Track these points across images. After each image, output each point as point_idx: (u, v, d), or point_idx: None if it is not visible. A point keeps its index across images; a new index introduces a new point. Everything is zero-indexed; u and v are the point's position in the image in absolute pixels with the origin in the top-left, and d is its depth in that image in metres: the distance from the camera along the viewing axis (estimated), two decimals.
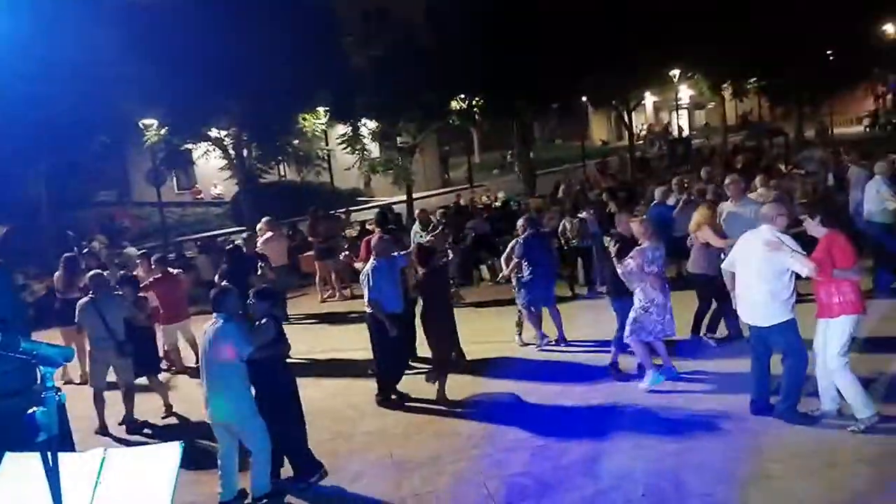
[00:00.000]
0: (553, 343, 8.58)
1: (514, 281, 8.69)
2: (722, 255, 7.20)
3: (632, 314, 6.90)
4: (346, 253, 10.05)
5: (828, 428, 5.62)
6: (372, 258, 7.52)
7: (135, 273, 9.66)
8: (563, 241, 11.62)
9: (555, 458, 5.73)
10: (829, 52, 29.47)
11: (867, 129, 35.86)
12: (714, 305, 7.83)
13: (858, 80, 34.30)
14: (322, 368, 8.81)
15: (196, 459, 6.28)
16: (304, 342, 10.22)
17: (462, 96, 23.28)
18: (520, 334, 8.89)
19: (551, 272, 8.94)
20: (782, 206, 6.18)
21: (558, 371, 7.72)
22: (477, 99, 23.73)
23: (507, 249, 8.87)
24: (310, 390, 8.16)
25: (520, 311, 8.77)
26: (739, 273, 5.93)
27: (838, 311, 5.49)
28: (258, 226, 12.03)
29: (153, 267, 9.48)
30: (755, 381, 6.02)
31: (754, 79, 32.65)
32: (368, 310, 7.37)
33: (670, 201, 11.22)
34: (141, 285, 8.77)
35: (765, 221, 5.84)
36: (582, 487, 5.23)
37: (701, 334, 7.96)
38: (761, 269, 5.70)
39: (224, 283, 8.87)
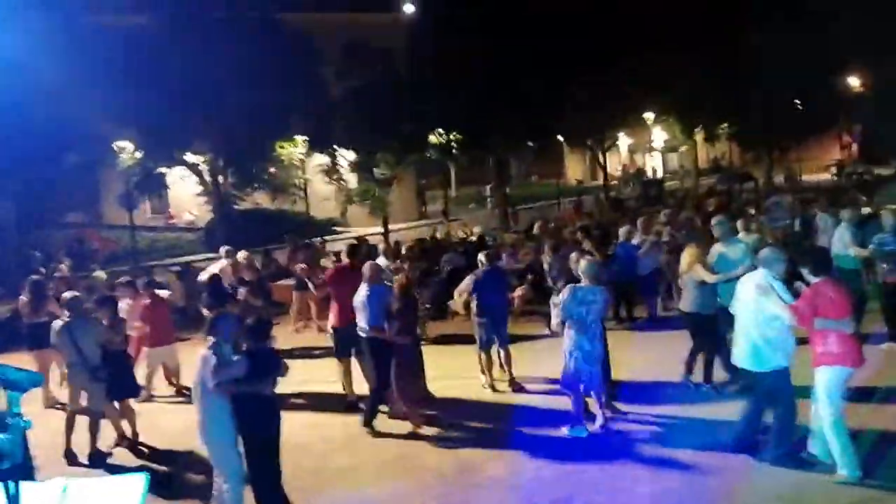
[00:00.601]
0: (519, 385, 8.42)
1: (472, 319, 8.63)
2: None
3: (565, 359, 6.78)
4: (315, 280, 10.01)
5: (812, 473, 5.58)
6: (364, 285, 7.52)
7: (112, 296, 9.51)
8: (542, 279, 11.63)
9: (526, 499, 5.66)
10: (796, 101, 30.42)
11: (834, 178, 36.90)
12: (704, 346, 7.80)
13: (825, 129, 35.36)
14: (293, 401, 8.64)
15: (163, 490, 6.15)
16: None
17: (440, 130, 23.50)
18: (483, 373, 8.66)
19: (500, 312, 8.63)
20: (780, 252, 6.10)
21: (530, 410, 7.66)
22: (455, 134, 23.98)
23: (462, 283, 8.83)
24: None
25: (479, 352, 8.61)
26: (738, 316, 5.93)
27: (819, 362, 5.43)
28: (238, 256, 11.80)
29: (140, 292, 9.29)
30: (743, 419, 5.97)
31: (725, 124, 33.52)
32: (365, 335, 7.44)
33: (635, 240, 11.39)
34: (133, 313, 8.78)
35: (762, 266, 5.85)
36: None
37: (692, 378, 7.80)
38: (755, 313, 5.70)
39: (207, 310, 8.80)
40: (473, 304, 8.61)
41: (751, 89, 27.26)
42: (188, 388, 8.93)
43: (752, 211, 17.77)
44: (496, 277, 8.81)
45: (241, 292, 9.98)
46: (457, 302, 8.77)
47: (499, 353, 8.61)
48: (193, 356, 9.17)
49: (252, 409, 5.37)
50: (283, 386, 9.12)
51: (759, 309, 5.65)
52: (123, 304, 9.53)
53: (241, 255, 11.76)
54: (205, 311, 9.10)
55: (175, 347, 9.35)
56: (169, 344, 9.19)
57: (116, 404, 7.52)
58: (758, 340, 5.69)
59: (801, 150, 36.06)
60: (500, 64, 22.69)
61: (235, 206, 20.95)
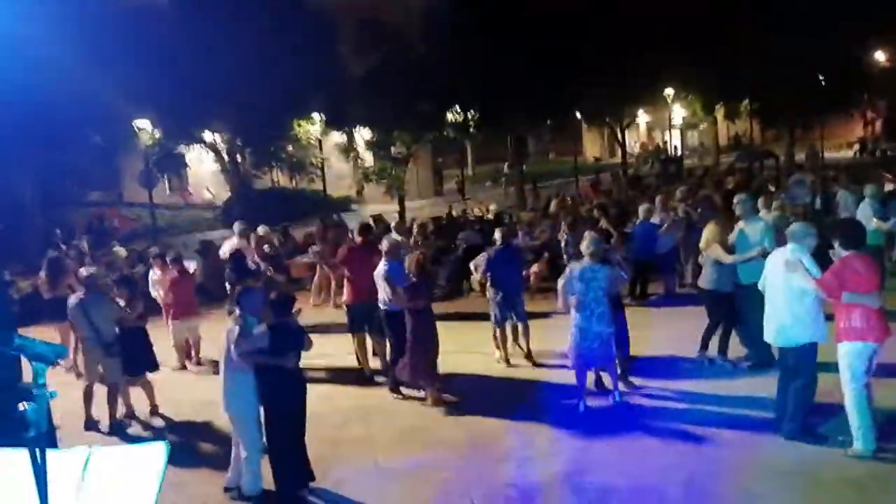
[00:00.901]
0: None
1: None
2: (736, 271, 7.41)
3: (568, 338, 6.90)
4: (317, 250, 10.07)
5: (824, 447, 5.62)
6: (383, 261, 7.69)
7: (131, 274, 9.74)
8: (558, 256, 11.65)
9: (540, 471, 5.73)
10: (821, 77, 29.82)
11: (857, 155, 36.25)
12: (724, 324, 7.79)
13: (849, 105, 34.69)
14: (308, 373, 8.76)
15: (182, 460, 6.30)
16: None
17: (457, 108, 23.39)
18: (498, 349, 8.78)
19: (514, 289, 8.72)
20: (811, 226, 6.07)
21: (542, 384, 7.72)
22: (472, 111, 23.85)
23: (477, 259, 9.04)
24: None
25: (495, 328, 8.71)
26: (767, 293, 5.91)
27: (843, 337, 5.39)
28: (259, 231, 11.92)
29: (169, 266, 9.63)
30: (784, 404, 5.91)
31: (746, 101, 32.99)
32: (385, 307, 7.63)
33: (654, 219, 11.31)
34: (160, 286, 9.26)
35: (791, 240, 5.81)
36: (567, 501, 5.24)
37: (708, 353, 7.84)
38: (784, 289, 5.69)
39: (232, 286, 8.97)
40: (488, 282, 8.72)
41: (773, 65, 26.74)
42: (208, 361, 9.18)
43: (773, 188, 17.59)
44: (510, 255, 8.88)
45: (264, 267, 10.11)
46: (475, 278, 8.91)
47: (515, 328, 8.65)
48: (213, 331, 9.40)
49: (275, 382, 5.50)
50: (302, 359, 9.36)
51: (787, 285, 5.63)
52: (154, 276, 9.82)
53: (261, 230, 11.89)
54: (228, 287, 9.27)
55: (198, 321, 9.59)
56: (192, 316, 9.47)
57: (132, 378, 7.68)
58: (786, 317, 5.68)
59: (824, 127, 35.44)
60: (517, 41, 22.44)
61: (253, 185, 21.07)
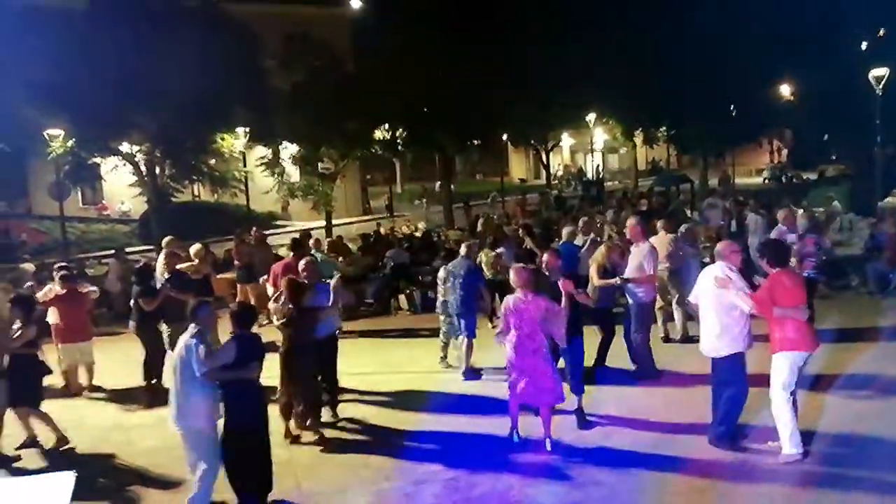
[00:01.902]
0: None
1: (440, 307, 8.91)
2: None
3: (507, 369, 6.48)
4: (265, 277, 9.82)
5: (755, 455, 5.88)
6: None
7: (31, 287, 9.12)
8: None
9: (465, 491, 5.70)
10: (731, 107, 31.52)
11: (765, 181, 38.42)
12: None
13: (757, 135, 36.75)
14: None
15: (89, 489, 5.96)
16: None
17: (386, 126, 23.41)
18: (444, 357, 9.01)
19: (467, 305, 8.80)
20: (735, 244, 6.43)
21: (473, 402, 7.72)
22: (400, 130, 23.93)
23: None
24: None
25: (446, 334, 8.91)
26: (700, 306, 6.20)
27: (778, 348, 5.72)
28: (191, 251, 11.39)
29: (62, 285, 8.94)
30: (713, 409, 6.22)
31: (664, 128, 34.46)
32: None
33: (577, 241, 11.57)
34: (42, 301, 8.44)
35: (718, 259, 6.14)
36: None
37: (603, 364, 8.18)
38: (713, 303, 5.99)
39: (135, 301, 8.57)
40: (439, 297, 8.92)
41: (689, 95, 28.08)
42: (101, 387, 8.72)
43: (689, 211, 18.36)
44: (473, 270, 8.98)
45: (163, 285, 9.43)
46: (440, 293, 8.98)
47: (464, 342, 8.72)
48: (118, 352, 8.99)
49: (237, 395, 5.40)
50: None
51: (717, 299, 5.94)
52: (42, 294, 9.20)
53: (193, 249, 11.36)
54: (132, 302, 8.83)
55: (90, 344, 8.98)
56: (83, 341, 8.85)
57: (17, 409, 7.13)
58: (715, 329, 5.98)
59: (735, 154, 37.37)
60: (444, 62, 22.74)
61: (173, 198, 20.39)
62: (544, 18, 27.24)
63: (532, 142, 35.91)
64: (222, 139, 20.72)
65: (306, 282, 7.10)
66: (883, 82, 20.12)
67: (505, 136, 34.23)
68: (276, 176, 21.74)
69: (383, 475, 6.11)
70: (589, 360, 7.62)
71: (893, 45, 24.55)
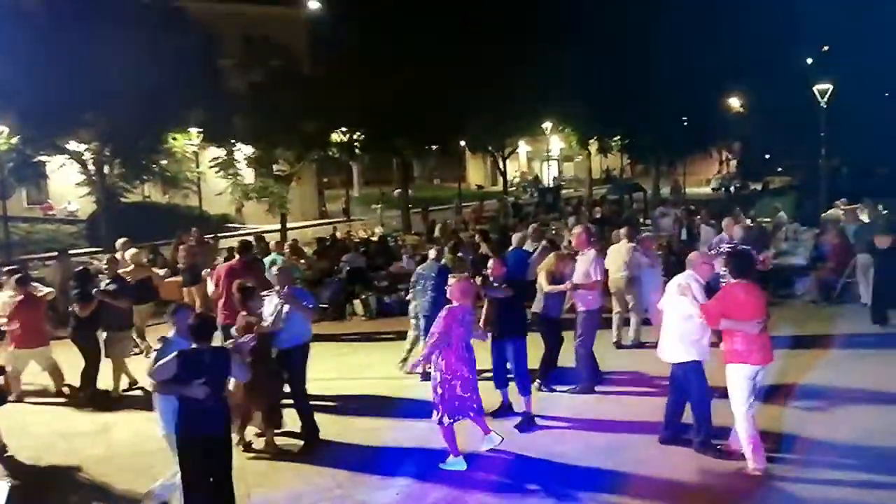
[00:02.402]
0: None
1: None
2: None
3: (438, 389, 6.13)
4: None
5: (725, 463, 5.95)
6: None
7: None
8: None
9: (419, 499, 5.68)
10: (683, 118, 32.30)
11: (714, 191, 39.44)
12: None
13: (707, 145, 37.73)
14: None
15: (26, 499, 5.74)
16: None
17: (343, 129, 23.25)
18: (405, 360, 8.94)
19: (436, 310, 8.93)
20: (705, 255, 6.48)
21: (428, 408, 7.66)
22: (358, 133, 23.80)
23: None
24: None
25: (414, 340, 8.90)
26: (664, 312, 6.27)
27: (727, 359, 5.73)
28: (127, 254, 11.07)
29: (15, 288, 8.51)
30: (666, 413, 6.31)
31: (618, 137, 35.10)
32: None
33: (527, 246, 11.63)
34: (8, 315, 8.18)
35: (689, 267, 6.20)
36: None
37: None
38: (674, 310, 6.07)
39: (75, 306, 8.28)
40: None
41: (642, 106, 28.67)
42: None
43: (641, 219, 18.69)
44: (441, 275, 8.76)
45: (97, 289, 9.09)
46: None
47: None
48: (60, 357, 8.68)
49: (185, 411, 5.20)
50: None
51: (677, 307, 6.01)
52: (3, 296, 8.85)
53: (128, 253, 11.04)
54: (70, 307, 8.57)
55: (49, 349, 8.67)
56: (41, 346, 8.50)
57: None
58: (674, 336, 6.07)
59: (686, 164, 38.26)
60: (403, 66, 22.72)
61: (122, 199, 19.85)
62: (504, 27, 27.51)
63: (489, 148, 36.14)
64: (174, 139, 20.29)
65: (252, 286, 6.90)
66: (826, 96, 20.90)
67: (463, 142, 34.38)
68: (229, 177, 21.36)
69: (336, 483, 6.03)
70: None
71: (836, 61, 25.54)
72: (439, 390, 6.06)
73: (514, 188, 41.94)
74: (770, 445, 6.01)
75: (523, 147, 46.68)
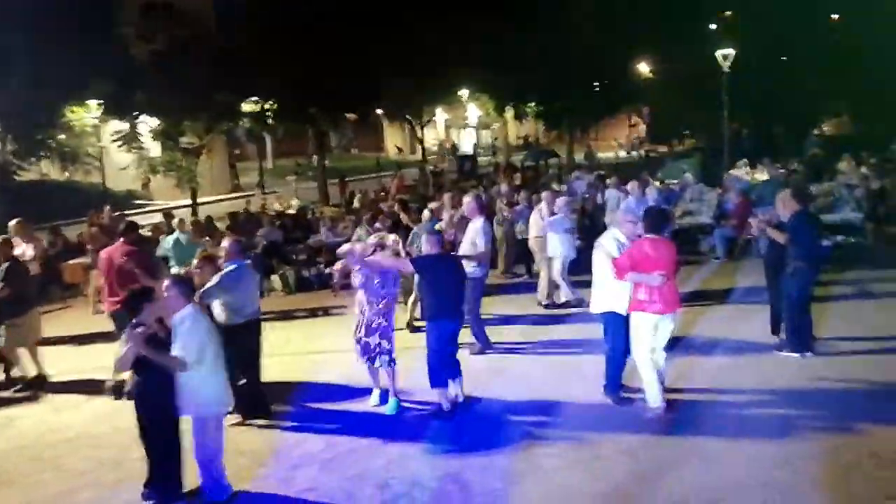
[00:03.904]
0: None
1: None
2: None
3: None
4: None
5: (627, 408, 6.36)
6: (226, 262, 6.77)
7: None
8: None
9: (343, 470, 5.68)
10: (595, 84, 32.93)
11: (626, 153, 40.69)
12: None
13: (617, 110, 38.68)
14: (85, 389, 7.98)
15: None
16: (67, 360, 9.27)
17: (255, 99, 22.51)
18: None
19: None
20: (632, 215, 6.76)
21: (350, 382, 7.66)
22: (270, 102, 23.09)
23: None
24: (68, 414, 7.41)
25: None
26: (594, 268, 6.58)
27: (630, 308, 6.15)
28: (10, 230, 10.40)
29: None
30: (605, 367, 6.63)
31: (532, 104, 35.46)
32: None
33: (445, 215, 11.70)
34: None
35: (614, 225, 6.55)
36: (371, 498, 5.24)
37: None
38: (597, 266, 6.43)
39: None
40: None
41: (554, 72, 29.02)
42: None
43: (556, 186, 19.05)
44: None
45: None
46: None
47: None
48: None
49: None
50: (75, 372, 8.51)
51: (596, 261, 6.41)
52: None
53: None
54: None
55: None
56: None
57: None
58: (596, 287, 6.45)
59: (598, 129, 39.15)
60: (316, 33, 22.09)
61: (16, 177, 18.63)
62: None
63: (407, 116, 35.81)
64: (73, 112, 19.15)
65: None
66: (729, 61, 21.72)
67: (380, 111, 33.91)
68: (134, 151, 20.36)
69: (259, 461, 5.95)
70: None
71: (739, 27, 26.55)
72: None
73: (432, 156, 41.86)
74: (674, 389, 6.49)
75: (441, 115, 46.51)
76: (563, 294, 9.95)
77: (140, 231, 9.14)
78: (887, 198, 13.62)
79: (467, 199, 8.86)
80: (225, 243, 7.13)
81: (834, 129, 32.84)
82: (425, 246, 6.84)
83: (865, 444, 5.44)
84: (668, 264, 6.06)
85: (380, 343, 6.74)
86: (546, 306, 10.04)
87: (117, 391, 7.46)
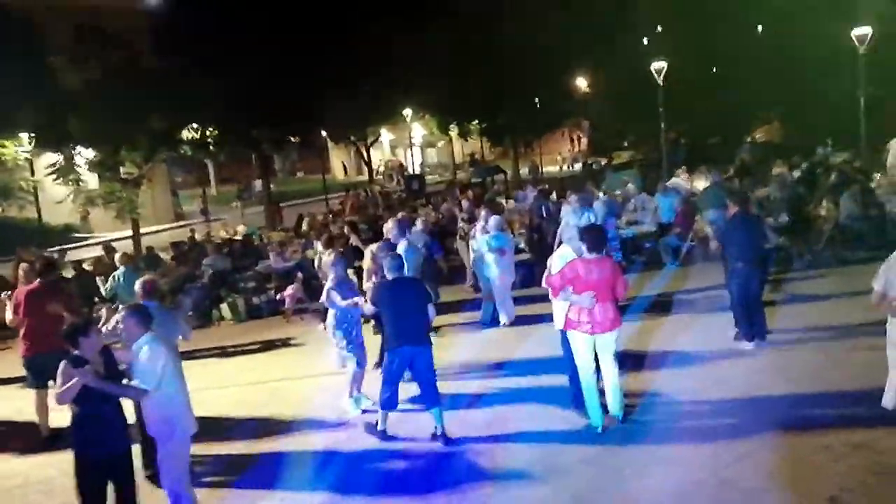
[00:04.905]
0: None
1: None
2: None
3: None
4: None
5: (569, 425, 6.35)
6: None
7: None
8: (313, 276, 11.44)
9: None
10: (535, 100, 33.51)
11: (567, 168, 41.46)
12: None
13: (558, 125, 39.42)
14: (29, 433, 7.62)
15: None
16: (10, 402, 8.81)
17: (195, 125, 22.11)
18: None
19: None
20: (572, 230, 6.87)
21: (309, 411, 7.51)
22: (211, 128, 22.72)
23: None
24: (15, 460, 7.03)
25: None
26: None
27: (566, 326, 6.19)
28: None
29: None
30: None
31: (476, 121, 35.85)
32: None
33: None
34: None
35: (566, 242, 6.64)
36: None
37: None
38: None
39: None
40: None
41: (495, 90, 29.44)
42: None
43: (504, 200, 19.24)
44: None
45: None
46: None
47: None
48: None
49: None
50: (8, 417, 8.12)
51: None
52: None
53: None
54: None
55: None
56: None
57: None
58: (555, 304, 6.46)
59: (542, 144, 39.74)
60: (254, 55, 21.88)
61: None
62: (358, 15, 27.14)
63: (352, 138, 35.78)
64: (3, 146, 18.46)
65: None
66: (662, 74, 22.41)
67: (324, 133, 33.76)
68: (70, 184, 19.70)
69: (216, 498, 5.77)
70: None
71: (669, 41, 27.42)
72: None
73: (379, 176, 41.83)
74: (633, 394, 6.58)
75: (386, 135, 46.59)
76: (502, 317, 9.79)
77: (57, 271, 8.79)
78: (804, 203, 13.95)
79: (389, 226, 8.93)
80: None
81: (765, 135, 34.12)
82: (388, 271, 6.48)
83: (818, 437, 5.60)
84: (601, 284, 5.95)
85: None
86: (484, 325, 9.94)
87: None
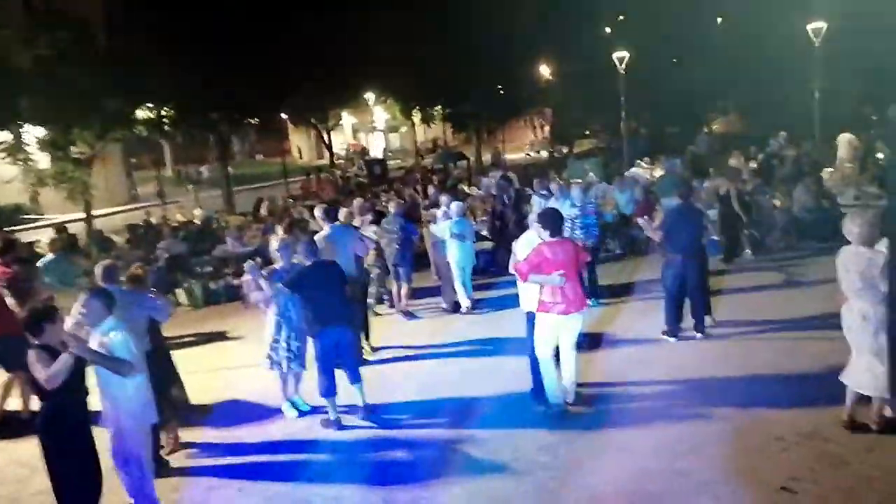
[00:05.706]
0: None
1: None
2: None
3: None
4: None
5: (526, 413, 6.40)
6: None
7: None
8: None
9: (258, 493, 5.49)
10: (499, 87, 33.48)
11: (529, 154, 41.63)
12: None
13: (522, 112, 39.50)
14: None
15: None
16: None
17: (150, 105, 21.52)
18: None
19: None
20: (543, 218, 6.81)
21: (266, 398, 7.41)
22: (167, 108, 22.15)
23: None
24: None
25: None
26: None
27: (538, 309, 6.21)
28: None
29: None
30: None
31: (439, 107, 35.69)
32: None
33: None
34: None
35: (532, 226, 6.61)
36: None
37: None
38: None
39: None
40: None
41: (458, 76, 29.30)
42: None
43: (466, 187, 19.22)
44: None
45: None
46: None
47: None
48: None
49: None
50: None
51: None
52: None
53: None
54: None
55: None
56: None
57: None
58: (522, 288, 6.44)
59: (505, 131, 39.82)
60: (212, 36, 21.35)
61: None
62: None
63: (313, 121, 35.25)
64: None
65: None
66: (623, 63, 22.59)
67: (284, 115, 33.21)
68: (19, 163, 19.00)
69: (170, 486, 5.67)
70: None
71: (632, 30, 27.65)
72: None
73: (341, 161, 41.40)
74: (586, 384, 6.70)
75: (348, 118, 46.09)
76: (462, 301, 9.84)
77: (16, 249, 8.50)
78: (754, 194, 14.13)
79: (318, 213, 8.92)
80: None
81: (723, 126, 34.73)
82: (302, 256, 6.63)
83: (769, 427, 5.72)
84: (568, 264, 6.07)
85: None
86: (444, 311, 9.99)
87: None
